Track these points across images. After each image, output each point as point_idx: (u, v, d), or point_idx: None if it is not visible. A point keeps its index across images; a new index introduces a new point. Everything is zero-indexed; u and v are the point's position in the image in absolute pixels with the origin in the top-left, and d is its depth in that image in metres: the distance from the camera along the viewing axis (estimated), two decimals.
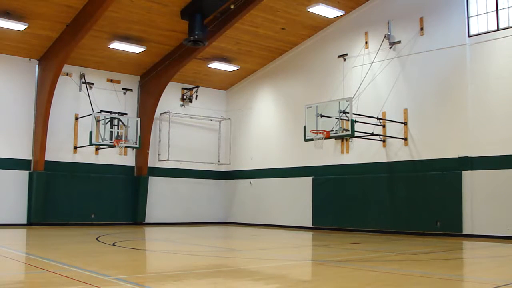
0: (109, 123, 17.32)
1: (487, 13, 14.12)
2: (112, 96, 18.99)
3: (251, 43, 18.19)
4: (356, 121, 14.17)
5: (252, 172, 20.35)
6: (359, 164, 16.48)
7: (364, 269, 7.21)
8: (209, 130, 21.43)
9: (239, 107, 21.26)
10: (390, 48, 15.92)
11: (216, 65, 19.26)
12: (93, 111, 17.59)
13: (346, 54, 17.16)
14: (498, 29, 13.88)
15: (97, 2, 14.22)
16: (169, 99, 20.11)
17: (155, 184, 19.70)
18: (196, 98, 20.92)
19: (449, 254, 9.72)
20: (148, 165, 19.35)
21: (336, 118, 13.96)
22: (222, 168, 21.57)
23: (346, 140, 16.86)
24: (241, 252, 10.11)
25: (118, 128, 17.65)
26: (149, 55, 18.23)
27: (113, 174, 18.80)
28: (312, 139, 14.17)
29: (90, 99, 18.13)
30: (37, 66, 17.50)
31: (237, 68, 19.79)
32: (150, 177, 19.36)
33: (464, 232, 13.73)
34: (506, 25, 13.73)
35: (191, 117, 20.69)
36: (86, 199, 17.93)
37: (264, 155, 19.96)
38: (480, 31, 14.18)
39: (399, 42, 15.76)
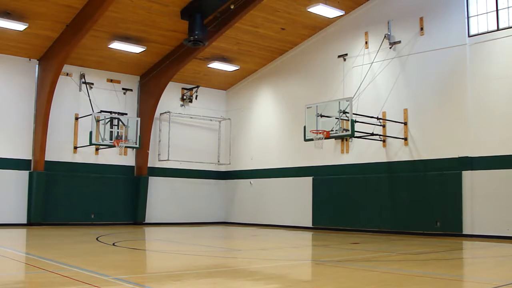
0: (109, 123, 17.33)
1: (487, 13, 14.12)
2: (112, 96, 18.99)
3: (251, 43, 18.19)
4: (356, 121, 14.17)
5: (252, 172, 20.34)
6: (359, 164, 16.48)
7: (364, 269, 7.21)
8: (209, 130, 21.43)
9: (239, 107, 21.26)
10: (390, 48, 15.92)
11: (216, 65, 19.25)
12: (93, 111, 17.59)
13: (346, 54, 17.16)
14: (498, 29, 13.88)
15: (97, 2, 14.22)
16: (169, 99, 20.11)
17: (155, 184, 19.70)
18: (196, 98, 20.92)
19: (449, 254, 9.72)
20: (148, 165, 19.34)
21: (336, 118, 13.96)
22: (222, 168, 21.57)
23: (346, 140, 16.86)
24: (241, 252, 10.11)
25: (118, 128, 17.65)
26: (149, 55, 18.23)
27: (113, 174, 18.79)
28: (312, 139, 14.17)
29: (90, 99, 18.14)
30: (37, 66, 17.50)
31: (237, 68, 19.78)
32: (150, 177, 19.35)
33: (464, 232, 13.73)
34: (506, 25, 13.73)
35: (191, 117, 20.68)
36: (86, 199, 17.93)
37: (264, 155, 19.95)
38: (480, 31, 14.18)
39: (399, 42, 15.75)
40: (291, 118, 18.82)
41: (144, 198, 19.05)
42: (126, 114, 18.71)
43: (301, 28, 17.69)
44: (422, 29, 15.25)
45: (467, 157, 13.96)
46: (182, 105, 20.70)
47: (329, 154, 17.26)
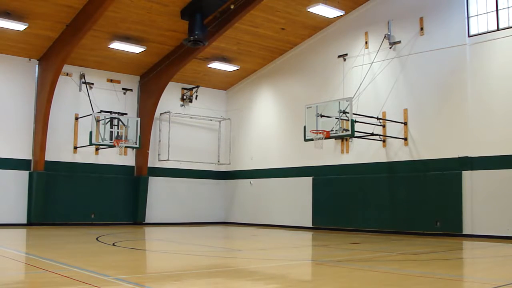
0: (109, 123, 17.33)
1: (487, 13, 14.12)
2: (112, 96, 18.99)
3: (251, 43, 18.19)
4: (356, 121, 14.17)
5: (252, 172, 20.34)
6: (359, 164, 16.48)
7: (364, 269, 7.21)
8: (209, 130, 21.43)
9: (239, 107, 21.26)
10: (390, 48, 15.92)
11: (216, 65, 19.25)
12: (93, 111, 17.59)
13: (346, 54, 17.16)
14: (498, 29, 13.88)
15: (97, 2, 14.22)
16: (169, 99, 20.12)
17: (155, 184, 19.70)
18: (196, 98, 20.92)
19: (449, 254, 9.72)
20: (148, 165, 19.34)
21: (336, 118, 13.96)
22: (222, 168, 21.57)
23: (346, 140, 16.86)
24: (241, 252, 10.11)
25: (118, 128, 17.65)
26: (149, 55, 18.23)
27: (113, 174, 18.79)
28: (312, 139, 14.17)
29: (90, 99, 18.14)
30: (37, 66, 17.50)
31: (237, 68, 19.78)
32: (150, 177, 19.35)
33: (464, 232, 13.73)
34: (506, 25, 13.73)
35: (191, 117, 20.68)
36: (86, 199, 17.93)
37: (264, 155, 19.95)
38: (480, 31, 14.18)
39: (399, 42, 15.75)
40: (291, 118, 18.82)
41: (144, 198, 19.05)
42: (126, 114, 18.71)
43: (301, 28, 17.69)
44: (422, 29, 15.25)
45: (467, 157, 13.96)
46: (182, 105, 20.70)
47: (329, 154, 17.26)
